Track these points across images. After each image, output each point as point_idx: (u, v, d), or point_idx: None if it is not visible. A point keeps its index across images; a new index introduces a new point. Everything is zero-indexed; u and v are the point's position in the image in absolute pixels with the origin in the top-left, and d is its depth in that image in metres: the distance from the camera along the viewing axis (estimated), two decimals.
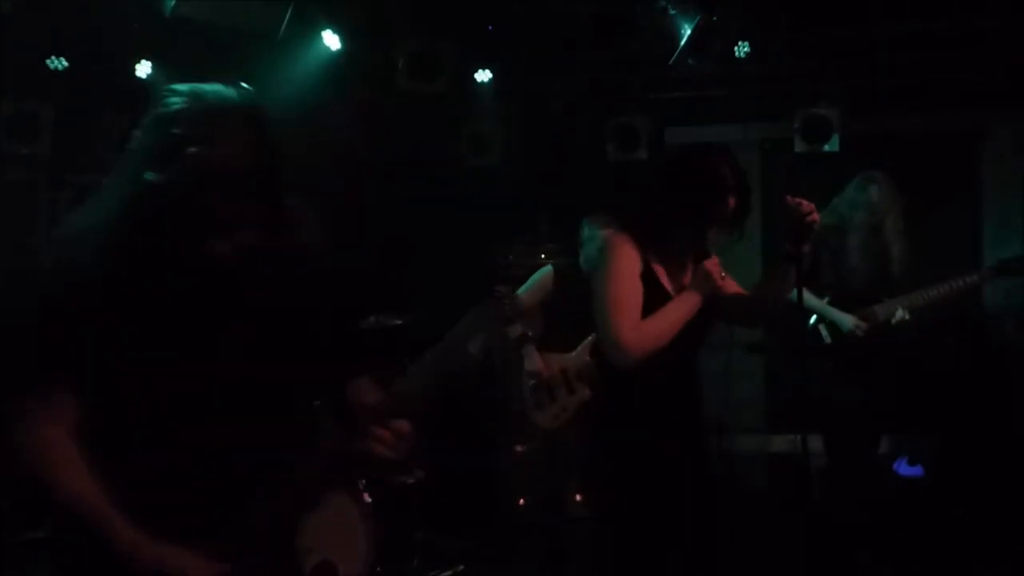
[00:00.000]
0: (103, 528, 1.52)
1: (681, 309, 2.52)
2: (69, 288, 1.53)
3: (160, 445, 1.57)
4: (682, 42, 4.59)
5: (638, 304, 2.51)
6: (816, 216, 2.43)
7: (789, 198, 2.44)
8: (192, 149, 1.44)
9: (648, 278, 2.56)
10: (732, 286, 2.70)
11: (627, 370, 2.49)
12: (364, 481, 3.80)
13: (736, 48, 4.65)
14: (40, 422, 1.54)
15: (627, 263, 2.54)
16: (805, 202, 2.43)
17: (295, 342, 1.65)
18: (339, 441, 1.63)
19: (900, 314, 3.82)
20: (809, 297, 3.84)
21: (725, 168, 2.54)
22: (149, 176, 1.46)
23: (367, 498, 3.63)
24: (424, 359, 1.63)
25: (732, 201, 2.54)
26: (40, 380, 1.56)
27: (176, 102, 1.50)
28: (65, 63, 4.34)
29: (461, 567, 4.46)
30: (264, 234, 1.53)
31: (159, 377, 1.55)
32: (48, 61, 4.37)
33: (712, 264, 2.55)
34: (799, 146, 5.16)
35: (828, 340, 3.94)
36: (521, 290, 4.34)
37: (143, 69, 4.68)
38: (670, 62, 4.73)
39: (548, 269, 4.31)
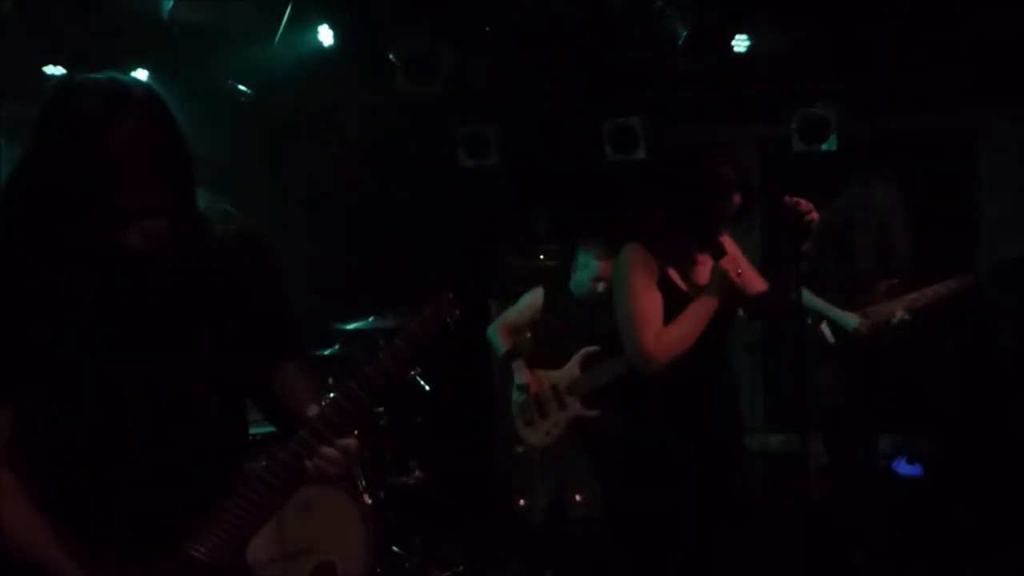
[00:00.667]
0: (47, 564, 1.49)
1: (699, 313, 2.55)
2: None
3: (88, 455, 1.53)
4: (679, 42, 4.59)
5: (659, 314, 2.56)
6: (815, 215, 2.44)
7: (787, 198, 2.46)
8: (85, 136, 1.37)
9: (665, 284, 2.60)
10: (753, 280, 2.71)
11: (652, 377, 2.54)
12: (364, 482, 3.81)
13: (735, 43, 4.64)
14: None
15: (643, 275, 2.59)
16: (803, 202, 2.44)
17: (212, 336, 1.60)
18: (286, 460, 1.58)
19: (900, 314, 3.81)
20: (811, 297, 3.84)
21: (726, 168, 2.58)
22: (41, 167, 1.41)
23: (367, 499, 3.64)
24: (361, 369, 1.59)
25: (736, 198, 2.57)
26: None
27: (73, 90, 1.44)
28: (62, 70, 4.34)
29: (460, 568, 4.46)
30: (176, 225, 1.47)
31: (82, 379, 1.50)
32: (45, 68, 4.37)
33: (728, 262, 2.55)
34: (797, 146, 5.16)
35: (831, 340, 3.93)
36: (511, 310, 4.38)
37: (140, 76, 4.69)
38: (668, 62, 4.73)
39: (538, 291, 4.34)
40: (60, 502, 1.52)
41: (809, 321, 3.96)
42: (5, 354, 1.48)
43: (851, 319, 3.88)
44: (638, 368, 2.57)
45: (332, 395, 1.59)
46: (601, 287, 4.06)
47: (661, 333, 2.53)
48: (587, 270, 4.13)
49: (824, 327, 3.95)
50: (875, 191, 3.96)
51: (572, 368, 4.11)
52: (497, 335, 4.28)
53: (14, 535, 1.49)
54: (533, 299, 4.32)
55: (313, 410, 1.58)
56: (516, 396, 4.21)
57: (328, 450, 1.56)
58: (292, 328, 1.78)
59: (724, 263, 2.55)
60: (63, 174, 1.38)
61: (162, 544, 1.54)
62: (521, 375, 4.19)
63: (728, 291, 2.54)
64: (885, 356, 3.96)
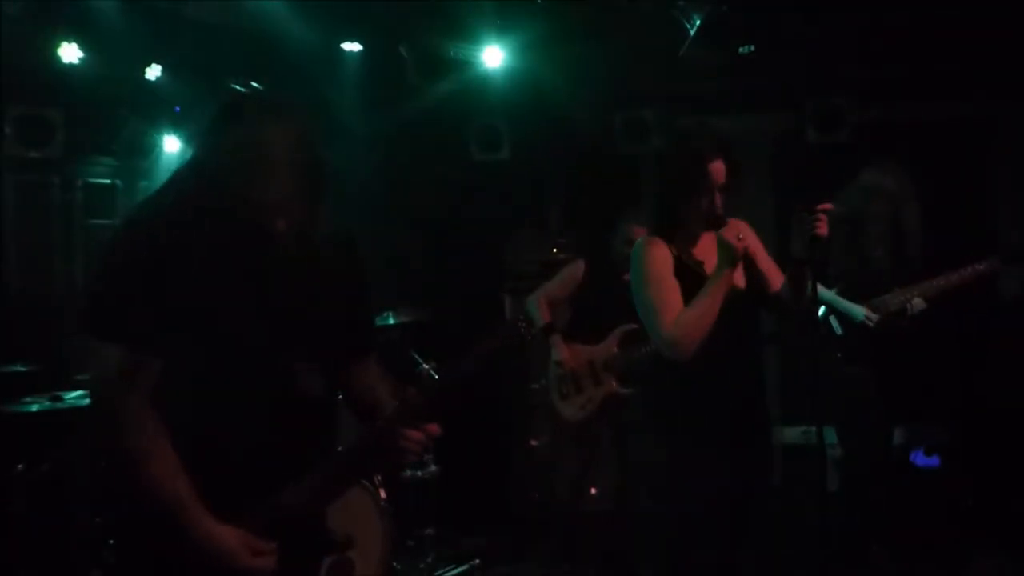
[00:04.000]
0: (180, 511, 1.64)
1: (713, 289, 2.54)
2: (146, 260, 1.66)
3: (207, 413, 1.69)
4: (692, 32, 4.57)
5: (677, 299, 2.57)
6: (824, 229, 2.47)
7: (801, 208, 2.48)
8: (250, 140, 1.66)
9: (681, 271, 2.61)
10: (771, 271, 2.71)
11: (681, 363, 2.54)
12: (379, 477, 3.82)
13: (742, 49, 4.64)
14: (134, 393, 1.65)
15: (658, 262, 2.61)
16: (818, 212, 2.46)
17: (321, 319, 1.79)
18: (373, 438, 1.79)
19: (917, 303, 3.77)
20: (822, 290, 3.81)
21: (699, 138, 2.63)
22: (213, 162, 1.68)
23: (383, 494, 3.65)
24: (450, 366, 1.79)
25: (716, 165, 2.58)
26: (135, 347, 1.66)
27: (237, 100, 1.75)
28: (76, 65, 4.36)
29: (476, 561, 4.47)
30: (308, 218, 1.73)
31: (216, 342, 1.68)
32: (59, 65, 4.40)
33: (728, 231, 2.55)
34: (811, 136, 5.13)
35: (839, 332, 3.90)
36: (551, 282, 4.35)
37: (153, 72, 4.70)
38: (680, 53, 4.71)
39: (579, 263, 4.31)
40: (184, 447, 1.68)
41: (820, 313, 3.93)
42: (162, 312, 1.65)
43: (859, 310, 3.84)
44: (667, 355, 2.58)
45: (415, 389, 1.80)
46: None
47: (679, 317, 2.54)
48: (620, 235, 4.12)
49: (832, 319, 3.92)
50: (885, 179, 3.92)
51: (610, 345, 4.12)
52: (536, 308, 4.27)
53: (160, 486, 1.64)
54: (574, 271, 4.29)
55: (400, 397, 1.79)
56: (553, 369, 4.21)
57: (415, 433, 1.75)
58: (373, 324, 2.04)
59: (724, 233, 2.55)
60: (233, 171, 1.66)
61: (252, 501, 1.71)
62: (558, 350, 4.19)
63: (735, 257, 2.53)
64: (899, 346, 3.93)
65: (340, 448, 1.86)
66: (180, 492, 1.65)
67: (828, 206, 2.50)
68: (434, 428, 1.78)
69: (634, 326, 4.08)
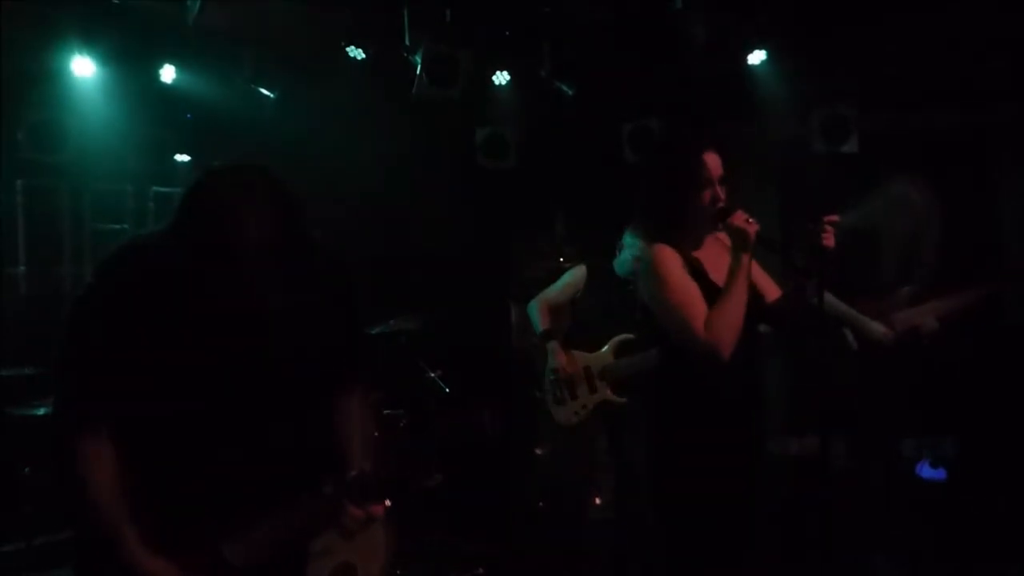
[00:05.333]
0: (114, 538, 1.72)
1: (735, 280, 2.49)
2: (114, 314, 1.72)
3: (177, 447, 1.75)
4: (699, 43, 4.58)
5: (700, 301, 2.52)
6: (831, 241, 2.45)
7: (810, 224, 2.45)
8: (222, 223, 1.63)
9: (694, 270, 2.58)
10: (767, 287, 2.69)
11: (714, 363, 2.49)
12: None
13: (751, 57, 4.63)
14: (87, 429, 1.72)
15: (671, 266, 2.56)
16: (825, 224, 2.44)
17: (299, 353, 1.80)
18: (315, 505, 1.82)
19: (930, 323, 3.74)
20: (837, 303, 3.78)
21: (685, 134, 2.65)
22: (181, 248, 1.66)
23: (387, 501, 3.65)
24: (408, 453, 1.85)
25: (711, 158, 2.56)
26: (92, 397, 1.73)
27: (206, 181, 1.69)
28: (92, 68, 4.40)
29: (480, 570, 4.46)
30: (289, 289, 1.69)
31: (179, 395, 1.73)
32: (74, 67, 4.43)
33: (736, 217, 2.51)
34: (818, 146, 5.12)
35: (855, 346, 3.85)
36: (552, 287, 4.37)
37: (168, 74, 4.74)
38: (686, 63, 4.73)
39: (581, 268, 4.32)
40: (141, 483, 1.75)
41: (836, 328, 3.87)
42: (128, 367, 1.70)
43: (877, 328, 3.79)
44: (705, 360, 2.50)
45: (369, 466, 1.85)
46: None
47: (710, 317, 2.49)
48: (631, 249, 4.11)
49: (847, 332, 3.87)
50: (912, 194, 3.78)
51: (606, 354, 4.13)
52: (537, 312, 4.29)
53: (97, 506, 1.72)
54: (575, 277, 4.29)
55: (354, 470, 1.84)
56: (548, 374, 4.23)
57: (355, 510, 1.82)
58: (361, 357, 2.02)
59: (732, 220, 2.51)
60: (203, 250, 1.64)
61: (206, 538, 1.76)
62: (555, 357, 4.20)
63: (747, 241, 2.49)
64: (908, 359, 3.91)
65: (286, 504, 1.86)
66: (115, 520, 1.72)
67: (835, 218, 2.48)
68: (379, 510, 1.86)
69: (631, 336, 4.10)
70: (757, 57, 4.99)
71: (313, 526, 1.87)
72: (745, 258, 2.49)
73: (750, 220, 2.50)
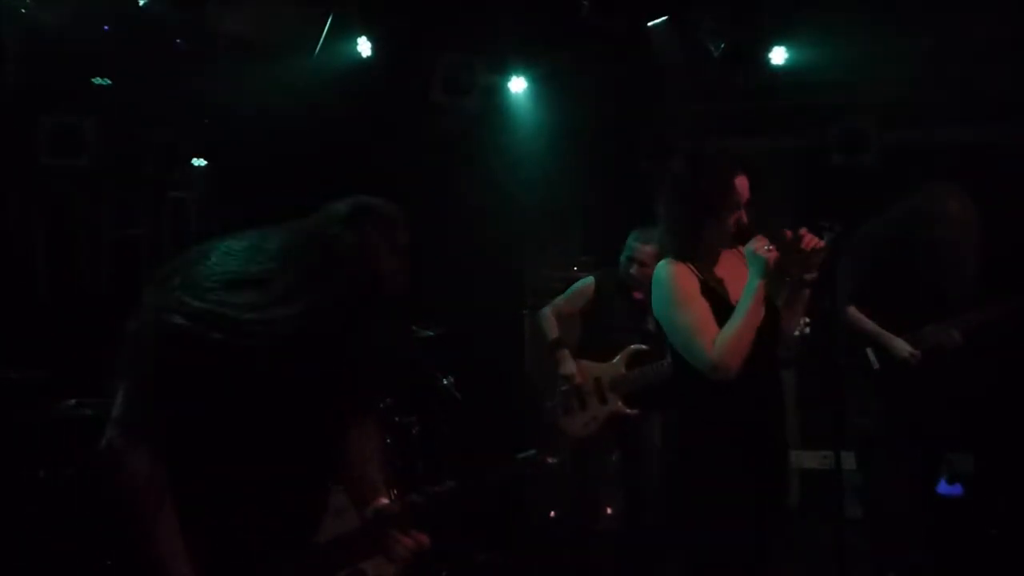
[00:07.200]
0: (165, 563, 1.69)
1: (748, 304, 2.50)
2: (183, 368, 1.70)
3: (219, 493, 1.75)
4: (716, 53, 4.57)
5: (710, 320, 2.52)
6: (820, 243, 2.45)
7: (787, 232, 2.47)
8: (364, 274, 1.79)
9: (705, 291, 2.58)
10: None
11: (720, 384, 2.50)
12: (395, 491, 3.81)
13: (770, 59, 4.61)
14: (147, 457, 1.69)
15: (683, 284, 2.57)
16: (807, 235, 2.45)
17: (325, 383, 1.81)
18: (364, 533, 1.89)
19: (955, 336, 3.62)
20: (861, 318, 3.67)
21: (718, 157, 2.61)
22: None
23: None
24: (460, 481, 1.92)
25: (742, 179, 2.58)
26: (152, 418, 1.70)
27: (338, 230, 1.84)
28: (109, 80, 4.44)
29: None
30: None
31: (232, 430, 1.73)
32: (93, 79, 4.48)
33: (755, 242, 2.52)
34: (836, 159, 5.09)
35: (876, 366, 3.69)
36: (561, 297, 4.36)
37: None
38: (703, 74, 4.72)
39: (590, 279, 4.31)
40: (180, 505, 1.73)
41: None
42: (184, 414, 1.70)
43: (902, 347, 3.63)
44: (712, 377, 2.50)
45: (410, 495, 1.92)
46: (635, 270, 4.06)
47: (717, 338, 2.49)
48: (628, 251, 4.12)
49: (870, 351, 3.70)
50: (950, 204, 3.55)
51: (618, 364, 4.11)
52: (546, 322, 4.28)
53: (157, 545, 1.69)
54: (584, 287, 4.29)
55: (402, 500, 1.93)
56: (559, 384, 4.21)
57: (405, 539, 1.88)
58: (382, 385, 2.00)
59: (751, 244, 2.52)
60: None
61: (241, 562, 1.76)
62: (565, 365, 4.18)
63: (765, 267, 2.49)
64: (923, 374, 3.81)
65: (332, 534, 1.89)
66: (170, 551, 1.70)
67: (816, 240, 2.48)
68: (425, 539, 1.88)
69: (643, 347, 4.08)
70: (779, 56, 4.89)
71: (364, 553, 1.92)
72: (760, 283, 2.50)
73: (770, 248, 2.50)
